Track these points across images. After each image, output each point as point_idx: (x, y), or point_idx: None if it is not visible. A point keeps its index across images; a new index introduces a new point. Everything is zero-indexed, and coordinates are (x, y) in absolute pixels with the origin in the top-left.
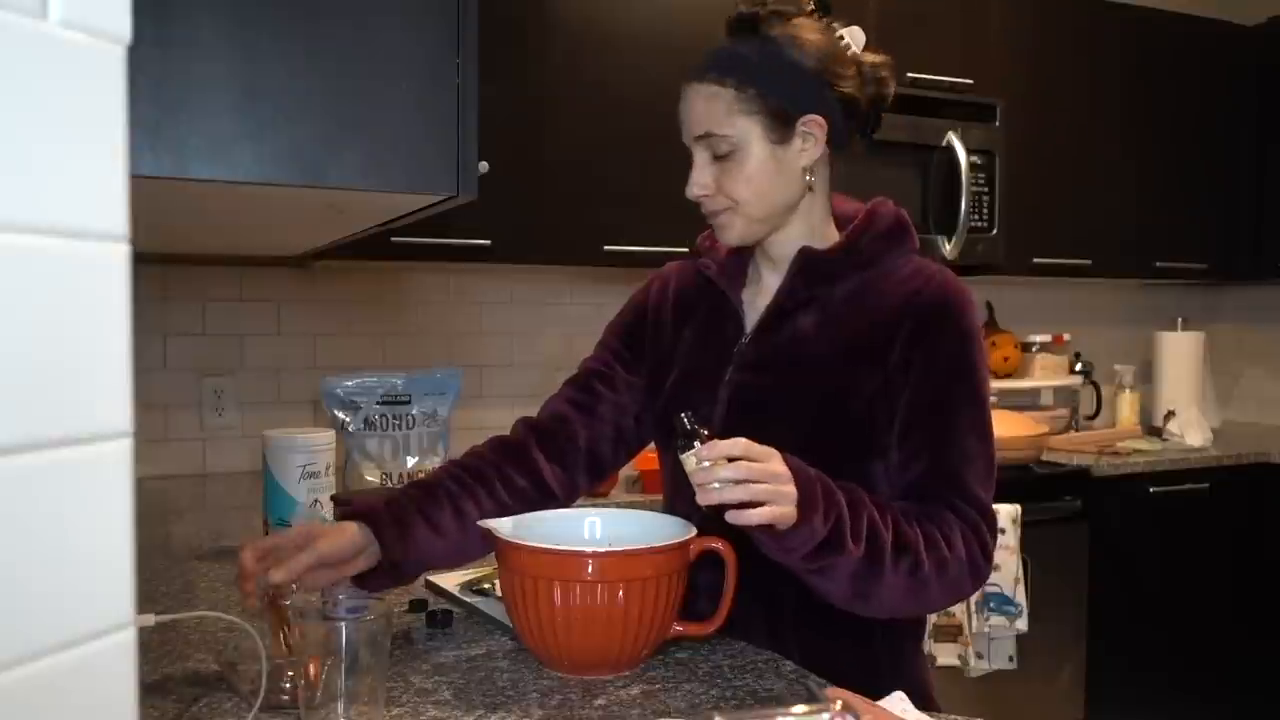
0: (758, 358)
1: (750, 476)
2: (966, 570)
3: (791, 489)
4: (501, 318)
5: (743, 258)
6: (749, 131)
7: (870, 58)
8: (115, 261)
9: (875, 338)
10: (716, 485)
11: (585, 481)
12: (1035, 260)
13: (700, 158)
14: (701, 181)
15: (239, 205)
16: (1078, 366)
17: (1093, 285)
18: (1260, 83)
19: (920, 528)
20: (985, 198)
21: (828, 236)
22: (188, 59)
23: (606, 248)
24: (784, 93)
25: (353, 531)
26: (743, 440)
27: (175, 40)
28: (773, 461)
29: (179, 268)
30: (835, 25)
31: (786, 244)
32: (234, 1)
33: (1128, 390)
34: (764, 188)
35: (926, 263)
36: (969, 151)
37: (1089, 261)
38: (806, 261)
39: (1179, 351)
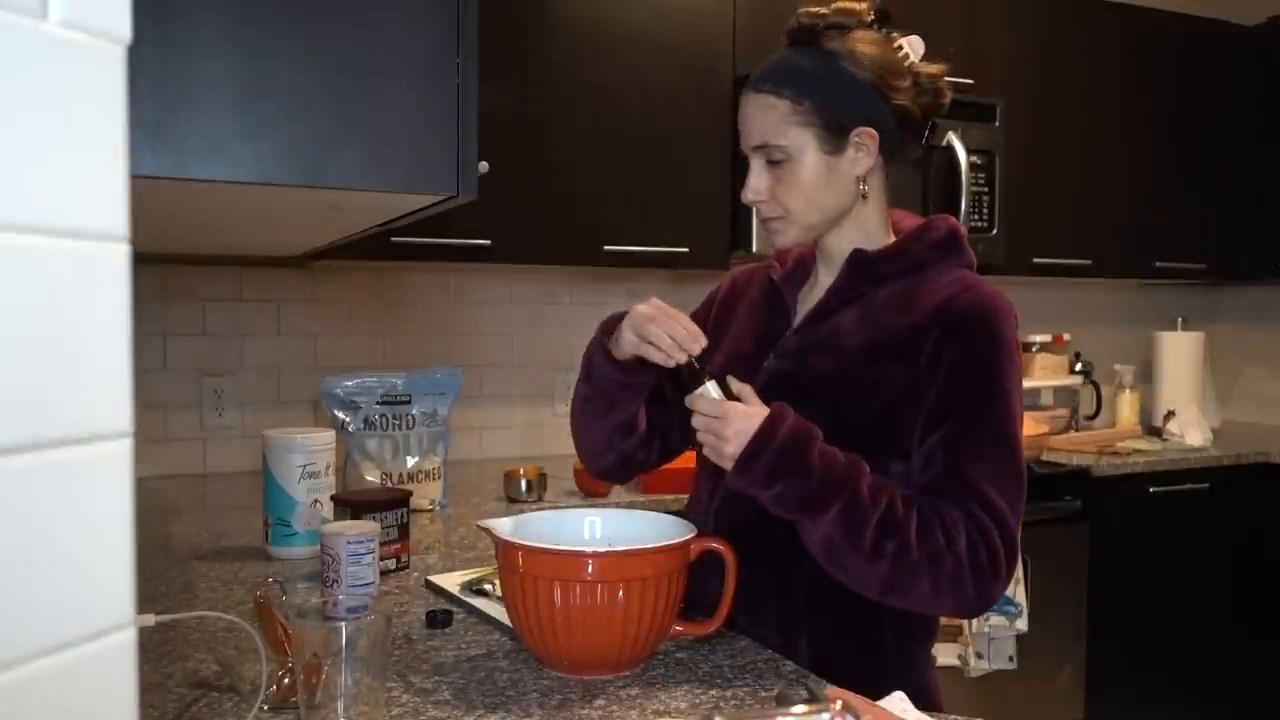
0: (797, 347)
1: (699, 427)
2: (969, 571)
3: (729, 448)
4: (501, 318)
5: (807, 262)
6: (803, 141)
7: (928, 68)
8: (115, 261)
9: (906, 338)
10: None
11: (654, 458)
12: (1035, 260)
13: (756, 165)
14: (757, 187)
15: (239, 205)
16: (1078, 366)
17: (1093, 285)
18: (1260, 83)
19: (919, 517)
20: (985, 198)
21: (884, 242)
22: (188, 58)
23: (606, 248)
24: (838, 104)
25: None
26: (706, 400)
27: (175, 40)
28: (724, 423)
29: (179, 268)
30: (895, 35)
31: (841, 246)
32: (234, 1)
33: (1128, 390)
34: (815, 196)
35: (970, 273)
36: (969, 151)
37: (1089, 261)
38: (857, 262)
39: (1179, 351)
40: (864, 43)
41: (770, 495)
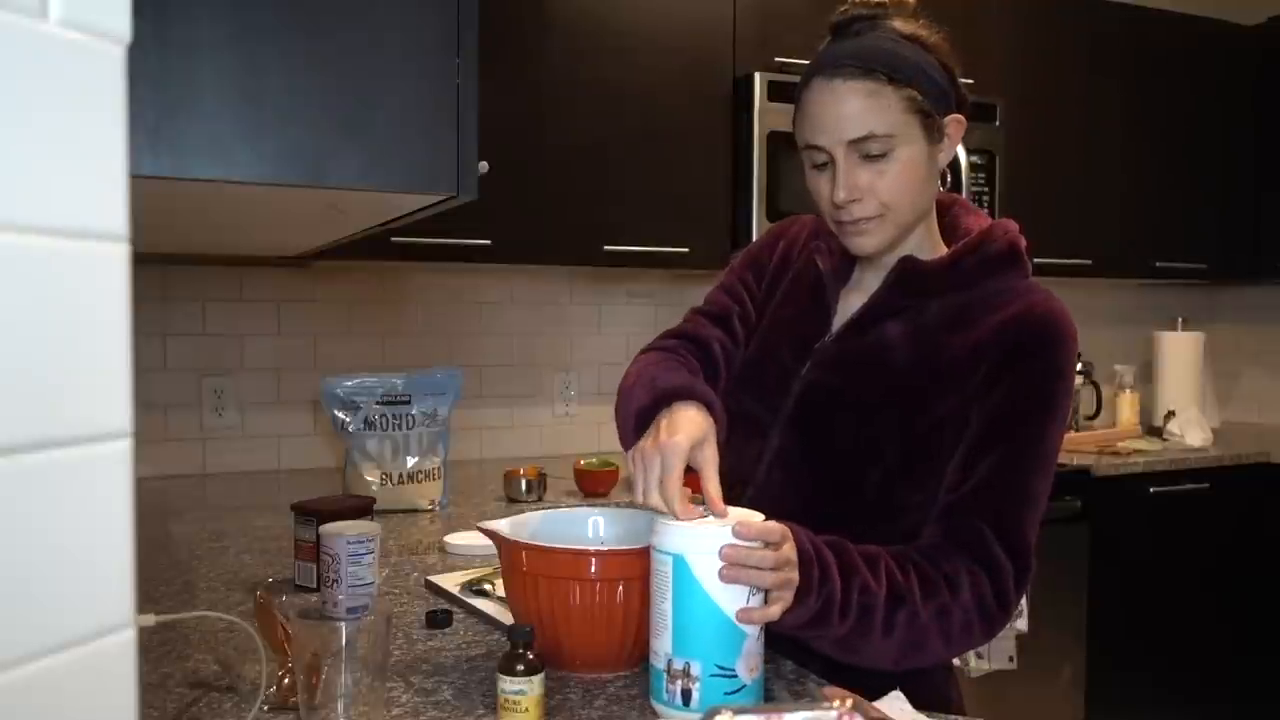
0: (838, 358)
1: (775, 565)
2: (976, 616)
3: (797, 575)
4: (501, 318)
5: (853, 257)
6: (912, 131)
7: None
8: (115, 261)
9: (962, 359)
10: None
11: None
12: (1035, 260)
13: (849, 160)
14: (855, 184)
15: (239, 205)
16: (1078, 366)
17: (1093, 285)
18: (1260, 83)
19: (918, 574)
20: (985, 198)
21: (935, 246)
22: (188, 59)
23: (606, 248)
24: (935, 90)
25: (703, 418)
26: (778, 525)
27: (175, 40)
28: (785, 546)
29: (179, 268)
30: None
31: (896, 251)
32: (234, 1)
33: (1128, 390)
34: (917, 189)
35: (1033, 287)
36: (969, 151)
37: (1089, 261)
38: (905, 271)
39: (1179, 351)
40: (925, 29)
41: (813, 610)
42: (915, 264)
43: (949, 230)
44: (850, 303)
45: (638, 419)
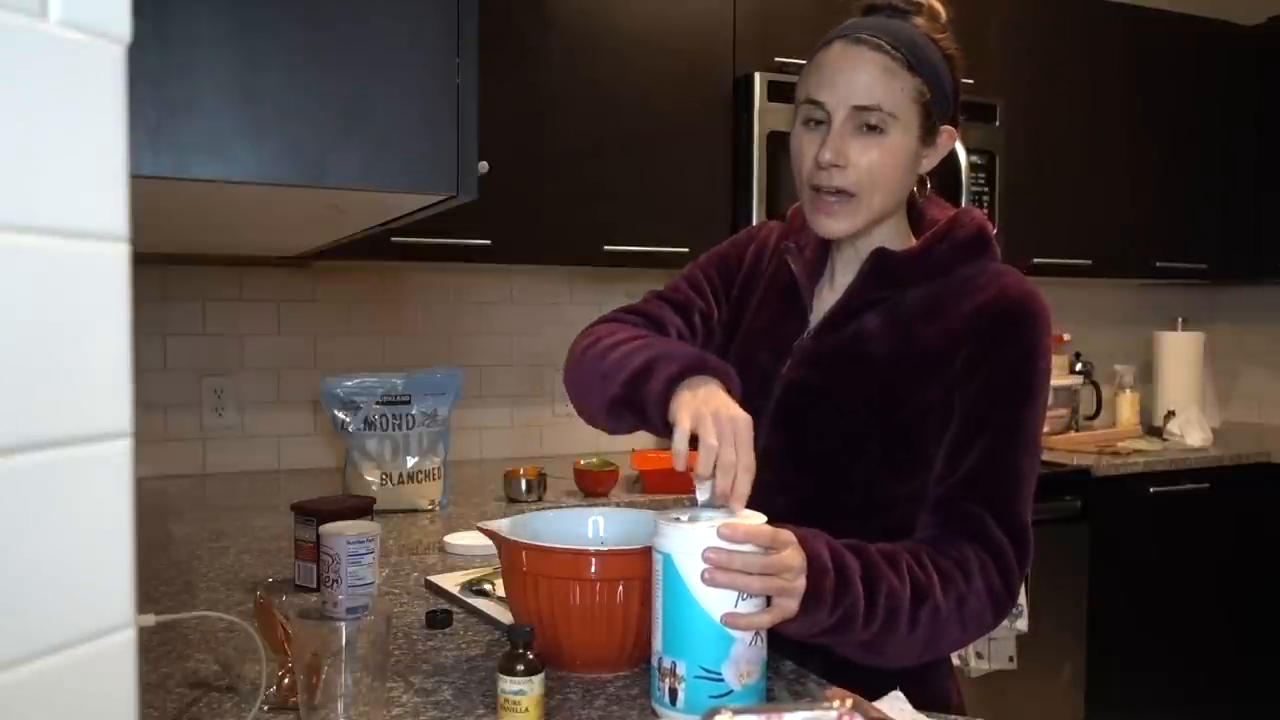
0: (817, 354)
1: (765, 570)
2: (988, 601)
3: (801, 583)
4: (501, 318)
5: (825, 254)
6: (909, 120)
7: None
8: (115, 261)
9: (939, 348)
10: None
11: None
12: (1035, 260)
13: (846, 125)
14: (842, 149)
15: (239, 205)
16: (1078, 366)
17: (1093, 285)
18: (1260, 83)
19: (936, 567)
20: (985, 198)
21: (906, 239)
22: (188, 58)
23: (606, 248)
24: (941, 95)
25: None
26: (766, 529)
27: (175, 40)
28: (786, 552)
29: (179, 268)
30: None
31: (867, 243)
32: (234, 0)
33: (1128, 390)
34: (894, 179)
35: (1004, 270)
36: (969, 151)
37: (1089, 261)
38: (878, 263)
39: (1179, 351)
40: (948, 41)
41: (820, 629)
42: (888, 254)
43: (916, 222)
44: (825, 300)
45: (667, 384)
